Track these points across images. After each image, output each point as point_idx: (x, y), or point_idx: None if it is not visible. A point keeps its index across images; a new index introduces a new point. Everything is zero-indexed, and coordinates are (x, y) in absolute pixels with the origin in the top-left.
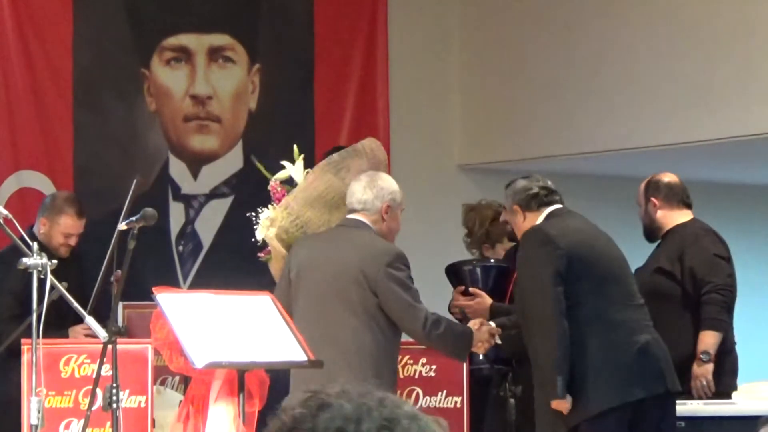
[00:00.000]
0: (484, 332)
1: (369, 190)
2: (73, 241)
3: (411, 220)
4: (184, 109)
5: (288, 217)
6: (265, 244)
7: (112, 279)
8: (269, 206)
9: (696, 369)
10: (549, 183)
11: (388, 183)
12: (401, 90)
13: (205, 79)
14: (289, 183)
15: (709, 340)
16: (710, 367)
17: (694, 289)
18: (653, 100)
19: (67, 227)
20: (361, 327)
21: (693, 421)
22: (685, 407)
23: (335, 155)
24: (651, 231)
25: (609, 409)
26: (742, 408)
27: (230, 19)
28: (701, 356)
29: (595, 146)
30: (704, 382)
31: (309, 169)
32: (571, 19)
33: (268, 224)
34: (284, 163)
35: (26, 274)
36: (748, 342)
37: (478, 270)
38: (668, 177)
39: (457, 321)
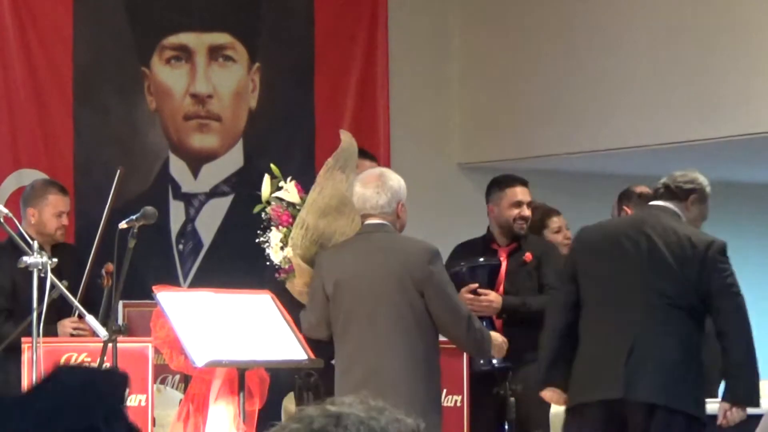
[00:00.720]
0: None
1: (382, 194)
2: (65, 221)
3: (411, 219)
4: (184, 107)
5: (306, 234)
6: (280, 266)
7: (102, 272)
8: (273, 228)
9: None
10: (666, 180)
11: (396, 181)
12: (401, 89)
13: (205, 78)
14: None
15: None
16: None
17: None
18: (654, 99)
19: (57, 206)
20: (413, 332)
21: None
22: None
23: (330, 159)
24: None
25: (577, 405)
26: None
27: (230, 18)
28: None
29: (595, 145)
30: None
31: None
32: (571, 18)
33: (281, 245)
34: (282, 184)
35: (14, 269)
36: None
37: (465, 270)
38: (640, 188)
39: None
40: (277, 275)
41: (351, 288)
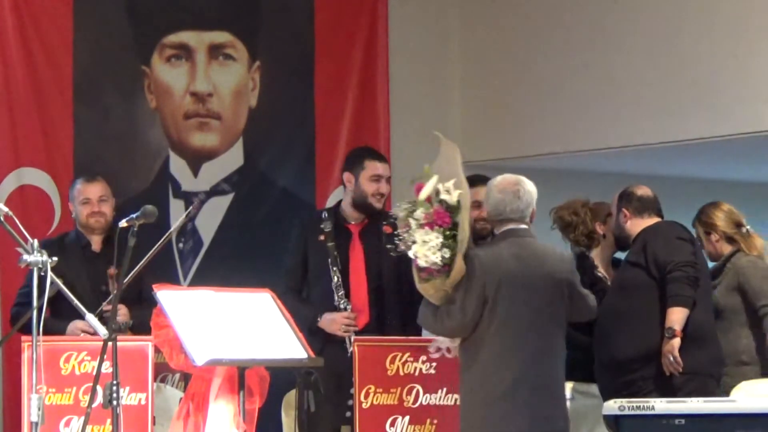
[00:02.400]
0: None
1: (521, 199)
2: (96, 207)
3: None
4: (184, 106)
5: (466, 235)
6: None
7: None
8: (421, 229)
9: (663, 346)
10: None
11: (532, 187)
12: (401, 87)
13: (205, 77)
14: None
15: (673, 316)
16: (676, 342)
17: (658, 273)
18: (655, 97)
19: (82, 193)
20: (562, 334)
21: (692, 418)
22: (685, 405)
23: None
24: (621, 240)
25: None
26: (742, 406)
27: (230, 17)
28: (665, 332)
29: (595, 144)
30: (671, 358)
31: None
32: (571, 17)
33: (439, 245)
34: (441, 185)
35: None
36: None
37: None
38: (641, 190)
39: None
40: (423, 274)
41: (515, 290)
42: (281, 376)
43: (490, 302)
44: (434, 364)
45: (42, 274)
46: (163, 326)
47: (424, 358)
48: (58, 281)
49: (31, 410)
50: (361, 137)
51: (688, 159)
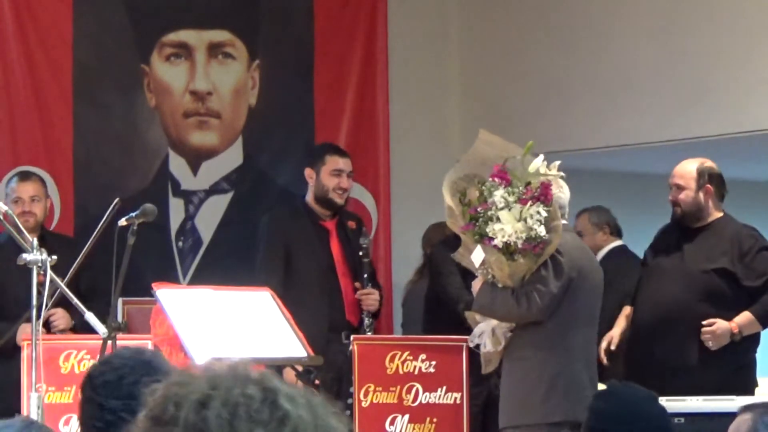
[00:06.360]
0: None
1: (564, 197)
2: (27, 207)
3: (409, 217)
4: (184, 105)
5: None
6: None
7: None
8: (518, 204)
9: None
10: None
11: (564, 185)
12: (401, 86)
13: (205, 75)
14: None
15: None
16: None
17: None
18: (654, 96)
19: (13, 192)
20: None
21: (692, 417)
22: (684, 403)
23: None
24: (690, 216)
25: None
26: (741, 405)
27: (230, 15)
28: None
29: (595, 143)
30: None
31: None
32: (570, 15)
33: (541, 221)
34: (544, 163)
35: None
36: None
37: None
38: (718, 169)
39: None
40: (535, 249)
41: (589, 279)
42: (280, 375)
43: (573, 285)
44: (434, 362)
45: (41, 272)
46: (163, 324)
47: (423, 356)
48: (58, 280)
49: (30, 409)
50: (360, 136)
51: (689, 158)
